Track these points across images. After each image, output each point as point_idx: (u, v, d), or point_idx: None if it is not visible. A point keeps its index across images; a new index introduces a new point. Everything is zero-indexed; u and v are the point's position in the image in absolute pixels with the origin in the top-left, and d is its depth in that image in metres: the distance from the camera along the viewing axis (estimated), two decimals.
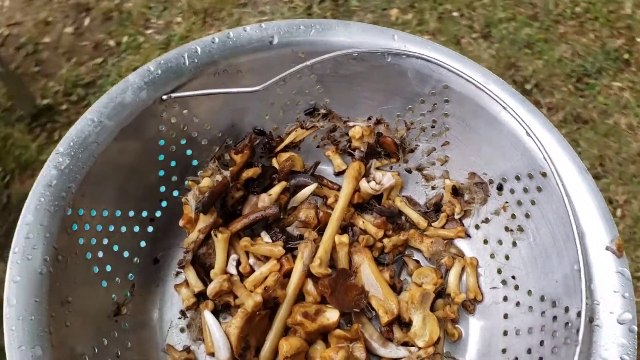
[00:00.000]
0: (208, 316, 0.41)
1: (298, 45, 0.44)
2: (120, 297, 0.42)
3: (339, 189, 0.48)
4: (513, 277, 0.44)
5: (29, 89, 0.97)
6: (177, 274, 0.46)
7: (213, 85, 0.43)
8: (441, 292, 0.45)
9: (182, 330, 0.44)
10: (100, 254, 0.40)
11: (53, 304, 0.35)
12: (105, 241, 0.41)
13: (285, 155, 0.48)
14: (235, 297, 0.43)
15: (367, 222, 0.46)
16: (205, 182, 0.44)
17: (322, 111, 0.47)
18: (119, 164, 0.41)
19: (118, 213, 0.42)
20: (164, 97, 0.42)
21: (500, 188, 0.45)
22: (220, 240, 0.43)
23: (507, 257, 0.44)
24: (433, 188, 0.48)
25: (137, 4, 1.08)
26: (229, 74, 0.44)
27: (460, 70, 0.43)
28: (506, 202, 0.44)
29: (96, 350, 0.38)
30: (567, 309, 0.38)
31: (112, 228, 0.41)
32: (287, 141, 0.48)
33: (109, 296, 0.41)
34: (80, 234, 0.39)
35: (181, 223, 0.44)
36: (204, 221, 0.43)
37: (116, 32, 1.05)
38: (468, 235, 0.47)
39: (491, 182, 0.45)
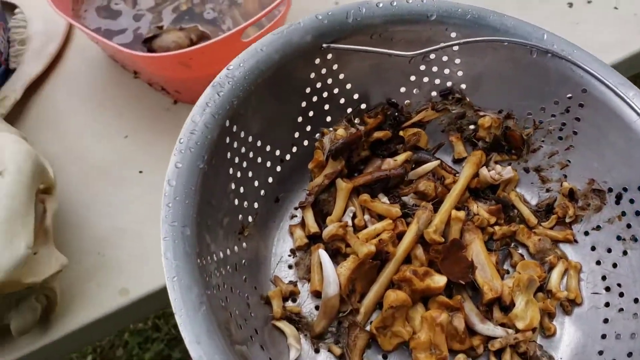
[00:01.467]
0: (323, 254, 0.43)
1: (452, 26, 0.47)
2: (245, 220, 0.44)
3: (455, 174, 0.50)
4: (619, 285, 0.44)
5: None
6: (292, 217, 0.48)
7: (367, 46, 0.46)
8: (542, 288, 0.46)
9: (290, 266, 0.46)
10: (239, 174, 0.43)
11: (202, 199, 0.38)
12: (244, 164, 0.44)
13: (412, 130, 0.50)
14: (347, 245, 0.45)
15: (481, 208, 0.48)
16: (340, 132, 0.46)
17: (457, 95, 0.50)
18: (271, 98, 0.44)
19: (258, 143, 0.45)
20: (324, 45, 0.45)
21: (619, 197, 0.46)
22: (343, 189, 0.46)
23: (614, 265, 0.45)
24: (547, 190, 0.50)
25: None
26: (382, 39, 0.46)
27: (603, 76, 0.45)
28: (623, 211, 0.45)
29: (221, 255, 0.40)
30: None
31: (251, 155, 0.44)
32: (416, 118, 0.50)
33: (237, 215, 0.43)
34: (229, 148, 0.41)
35: (310, 165, 0.47)
36: (332, 167, 0.46)
37: None
38: (575, 241, 0.48)
39: (610, 190, 0.46)
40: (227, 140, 0.41)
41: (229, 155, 0.41)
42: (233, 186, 0.43)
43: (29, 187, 0.52)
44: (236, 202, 0.43)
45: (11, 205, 0.49)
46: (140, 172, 0.64)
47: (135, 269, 0.56)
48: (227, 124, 0.40)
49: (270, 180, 0.47)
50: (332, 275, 0.42)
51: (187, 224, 0.36)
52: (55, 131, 0.71)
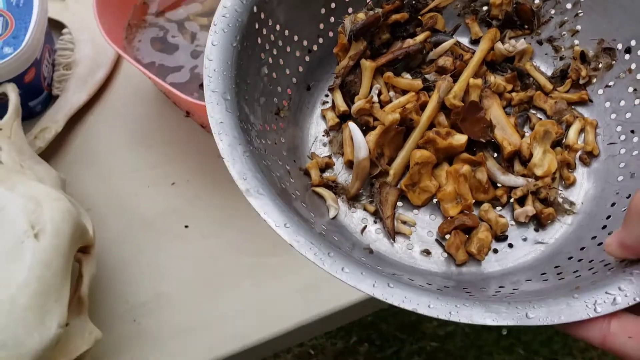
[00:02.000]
0: (352, 125, 0.48)
1: None
2: (280, 103, 0.49)
3: (473, 52, 0.53)
4: (632, 132, 0.47)
5: None
6: (324, 102, 0.53)
7: None
8: (560, 144, 0.49)
9: (324, 144, 0.51)
10: (270, 60, 0.48)
11: (238, 74, 0.43)
12: (274, 51, 0.48)
13: (429, 14, 0.53)
14: (375, 119, 0.49)
15: (498, 78, 0.51)
16: (360, 16, 0.50)
17: None
18: None
19: (286, 33, 0.49)
20: None
21: (628, 51, 0.48)
22: (367, 68, 0.50)
23: (628, 114, 0.48)
24: (561, 59, 0.53)
25: None
26: None
27: None
28: (634, 64, 0.48)
29: (260, 128, 0.45)
30: None
31: (280, 43, 0.49)
32: (432, 4, 0.54)
33: (272, 97, 0.48)
34: (259, 33, 0.46)
35: (335, 49, 0.51)
36: (355, 49, 0.50)
37: None
38: (590, 100, 0.51)
39: (619, 47, 0.49)
40: (257, 26, 0.46)
41: (259, 40, 0.46)
42: (266, 70, 0.47)
43: (67, 253, 0.47)
44: (270, 86, 0.48)
45: (45, 276, 0.44)
46: (186, 226, 0.61)
47: (176, 343, 0.52)
48: (255, 10, 0.45)
49: (300, 69, 0.51)
50: (362, 141, 0.47)
51: (227, 91, 0.41)
52: (96, 170, 0.66)
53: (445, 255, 0.45)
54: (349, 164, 0.49)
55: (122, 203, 0.64)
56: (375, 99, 0.50)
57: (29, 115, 0.76)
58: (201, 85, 0.64)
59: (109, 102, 0.74)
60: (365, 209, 0.47)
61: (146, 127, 0.70)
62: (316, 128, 0.51)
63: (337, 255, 0.36)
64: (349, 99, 0.51)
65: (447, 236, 0.46)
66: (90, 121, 0.72)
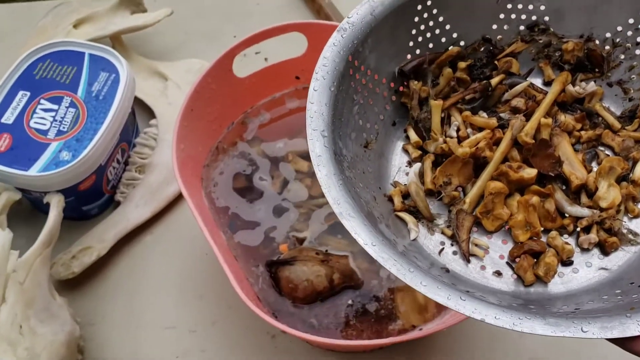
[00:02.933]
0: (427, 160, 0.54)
1: None
2: (369, 137, 0.56)
3: (545, 93, 0.58)
4: None
5: None
6: (406, 137, 0.59)
7: None
8: (626, 177, 0.54)
9: (406, 174, 0.57)
10: (361, 100, 0.55)
11: (334, 114, 0.50)
12: (365, 93, 0.55)
13: (505, 59, 0.59)
14: (452, 153, 0.55)
15: (568, 117, 0.56)
16: None
17: (542, 27, 0.58)
18: (383, 39, 0.56)
19: (376, 76, 0.56)
20: None
21: None
22: (435, 106, 0.56)
23: None
24: (630, 100, 0.57)
25: None
26: None
27: None
28: None
29: (351, 159, 0.52)
30: None
31: (370, 85, 0.56)
32: (508, 50, 0.59)
33: (362, 133, 0.55)
34: (352, 78, 0.53)
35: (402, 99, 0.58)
36: (412, 87, 0.57)
37: None
38: None
39: None
40: (351, 72, 0.53)
41: (352, 84, 0.53)
42: (357, 109, 0.54)
43: None
44: (360, 122, 0.55)
45: None
46: None
47: None
48: (350, 58, 0.52)
49: (387, 107, 0.58)
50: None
51: (325, 129, 0.48)
52: (127, 316, 0.64)
53: (515, 276, 0.51)
54: (429, 192, 0.55)
55: None
56: (454, 134, 0.56)
57: (80, 217, 0.71)
58: (270, 263, 0.60)
59: (172, 226, 0.70)
60: (443, 233, 0.53)
61: (203, 272, 0.66)
62: (399, 159, 0.58)
63: (417, 271, 0.42)
64: (425, 132, 0.57)
65: (517, 259, 0.51)
66: (145, 243, 0.69)
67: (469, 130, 0.56)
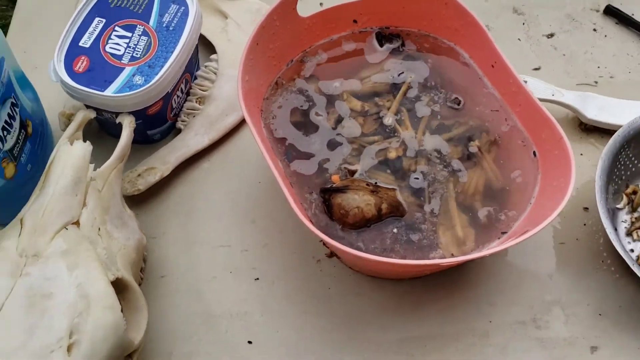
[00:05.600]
0: None
1: None
2: None
3: None
4: None
5: None
6: None
7: None
8: None
9: None
10: None
11: None
12: None
13: None
14: None
15: None
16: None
17: None
18: None
19: None
20: None
21: None
22: None
23: None
24: None
25: None
26: None
27: None
28: None
29: None
30: None
31: None
32: None
33: None
34: None
35: None
36: None
37: None
38: None
39: None
40: None
41: None
42: None
43: None
44: None
45: None
46: (250, 342, 0.65)
47: None
48: None
49: None
50: None
51: None
52: (183, 233, 0.69)
53: None
54: None
55: (195, 284, 0.67)
56: None
57: (144, 141, 0.76)
58: (324, 190, 0.61)
59: (229, 154, 0.73)
60: None
61: (256, 199, 0.70)
62: None
63: None
64: None
65: None
66: (203, 169, 0.73)
67: None
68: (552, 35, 0.93)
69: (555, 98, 0.81)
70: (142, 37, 0.73)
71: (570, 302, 0.71)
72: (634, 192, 0.76)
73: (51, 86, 0.74)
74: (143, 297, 0.60)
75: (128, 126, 0.70)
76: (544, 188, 0.67)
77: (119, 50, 0.72)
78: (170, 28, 0.73)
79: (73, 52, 0.72)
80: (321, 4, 0.95)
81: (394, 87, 0.76)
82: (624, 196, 0.76)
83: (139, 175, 0.73)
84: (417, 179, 0.70)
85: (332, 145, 0.70)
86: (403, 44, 0.80)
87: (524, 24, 0.95)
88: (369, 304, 0.71)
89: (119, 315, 0.52)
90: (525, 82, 0.75)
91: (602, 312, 0.70)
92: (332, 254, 0.73)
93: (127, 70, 0.70)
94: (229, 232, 0.75)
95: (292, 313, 0.70)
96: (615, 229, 0.73)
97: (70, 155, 0.62)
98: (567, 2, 0.97)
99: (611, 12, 0.94)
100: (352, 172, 0.69)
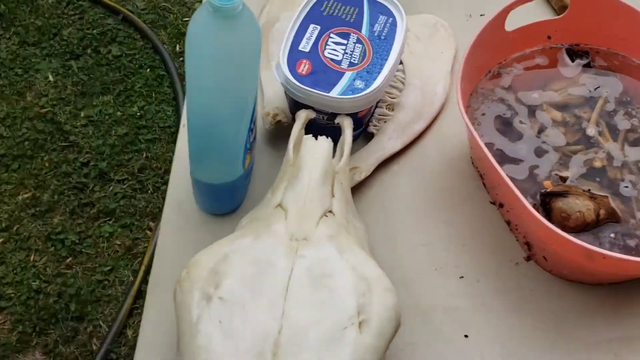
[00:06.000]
0: None
1: None
2: None
3: None
4: None
5: None
6: None
7: None
8: None
9: None
10: None
11: None
12: None
13: None
14: None
15: None
16: None
17: None
18: None
19: None
20: None
21: None
22: None
23: None
24: None
25: None
26: None
27: None
28: None
29: None
30: None
31: None
32: None
33: None
34: None
35: None
36: None
37: None
38: None
39: None
40: None
41: None
42: None
43: (380, 356, 0.47)
44: None
45: None
46: (466, 336, 0.67)
47: None
48: None
49: None
50: None
51: None
52: (381, 230, 0.70)
53: None
54: None
55: (402, 278, 0.67)
56: None
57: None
58: (545, 193, 0.63)
59: (416, 158, 0.76)
60: None
61: (446, 199, 0.72)
62: None
63: None
64: None
65: None
66: (393, 171, 0.75)
67: None
68: None
69: None
70: (357, 45, 0.77)
71: None
72: None
73: None
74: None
75: (348, 126, 0.74)
76: None
77: (337, 55, 0.77)
78: (382, 37, 0.78)
79: (295, 55, 0.76)
80: (482, 15, 0.98)
81: (590, 100, 0.79)
82: None
83: None
84: (627, 187, 0.72)
85: (539, 152, 0.74)
86: (592, 60, 0.83)
87: None
88: (573, 305, 0.74)
89: (397, 298, 0.55)
90: None
91: None
92: (529, 257, 0.76)
93: (348, 75, 0.75)
94: (426, 231, 0.79)
95: (502, 310, 0.73)
96: None
97: (317, 149, 0.67)
98: None
99: None
100: (564, 179, 0.72)
